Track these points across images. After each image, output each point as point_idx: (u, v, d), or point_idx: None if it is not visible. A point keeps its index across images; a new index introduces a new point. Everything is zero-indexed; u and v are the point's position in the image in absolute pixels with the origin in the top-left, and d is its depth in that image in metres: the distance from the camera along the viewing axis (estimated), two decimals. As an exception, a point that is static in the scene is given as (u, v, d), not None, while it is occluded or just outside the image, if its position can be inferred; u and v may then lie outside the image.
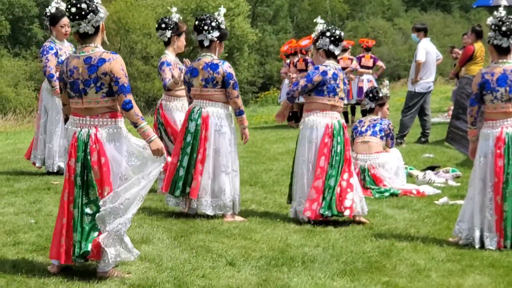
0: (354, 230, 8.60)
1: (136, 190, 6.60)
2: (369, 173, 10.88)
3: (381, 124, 11.37)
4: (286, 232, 8.44)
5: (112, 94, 6.52)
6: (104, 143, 6.53)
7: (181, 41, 10.66)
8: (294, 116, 20.58)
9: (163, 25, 10.48)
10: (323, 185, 8.86)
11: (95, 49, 6.55)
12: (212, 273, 6.86)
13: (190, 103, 9.29)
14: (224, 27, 9.15)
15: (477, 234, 7.85)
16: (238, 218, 9.04)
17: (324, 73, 9.00)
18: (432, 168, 12.32)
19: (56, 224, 6.58)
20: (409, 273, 6.97)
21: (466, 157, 13.18)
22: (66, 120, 6.94)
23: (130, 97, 6.49)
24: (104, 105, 6.56)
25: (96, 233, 6.48)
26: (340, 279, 6.73)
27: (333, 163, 8.91)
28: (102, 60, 6.46)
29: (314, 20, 9.63)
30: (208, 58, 9.02)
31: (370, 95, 11.74)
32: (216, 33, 8.98)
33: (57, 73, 11.00)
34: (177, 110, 10.32)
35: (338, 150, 8.95)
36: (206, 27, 8.93)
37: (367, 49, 19.92)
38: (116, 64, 6.46)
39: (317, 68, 9.15)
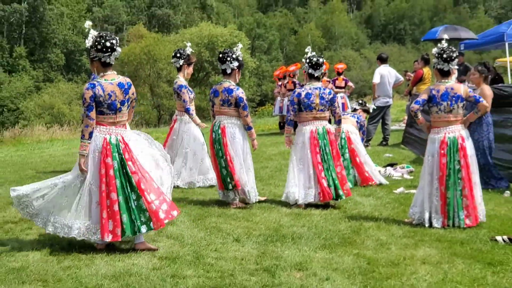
0: (331, 213, 8.60)
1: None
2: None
3: (359, 117, 11.59)
4: (279, 215, 8.44)
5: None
6: (128, 143, 6.71)
7: (190, 70, 10.74)
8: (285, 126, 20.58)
9: (178, 55, 10.59)
10: (319, 175, 8.92)
11: (118, 75, 6.77)
12: (222, 247, 6.88)
13: (213, 116, 9.24)
14: (241, 59, 9.14)
15: (426, 216, 7.88)
16: (242, 205, 9.06)
17: (298, 94, 9.14)
18: (391, 165, 12.33)
19: (100, 212, 6.56)
20: (374, 246, 6.98)
21: (417, 156, 13.20)
22: (91, 134, 6.66)
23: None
24: (126, 118, 6.87)
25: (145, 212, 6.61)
26: (321, 252, 6.74)
27: (325, 159, 8.98)
28: (130, 84, 6.74)
29: (305, 50, 9.62)
30: (227, 83, 9.00)
31: (360, 101, 12.24)
32: (236, 63, 9.01)
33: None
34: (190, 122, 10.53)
35: (327, 150, 9.00)
36: (228, 58, 8.96)
37: (339, 73, 19.91)
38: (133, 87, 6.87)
39: (294, 92, 9.36)
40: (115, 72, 6.78)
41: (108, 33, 6.72)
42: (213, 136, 8.99)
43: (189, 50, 10.69)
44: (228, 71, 9.02)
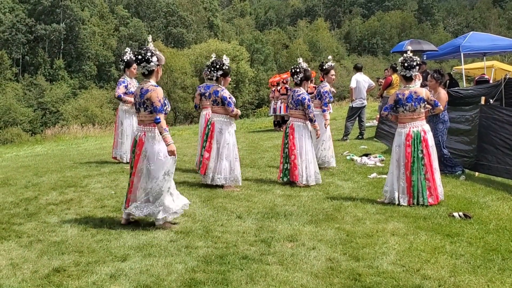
0: (317, 194, 8.60)
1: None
2: None
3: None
4: (274, 196, 8.43)
5: (151, 112, 6.57)
6: (148, 141, 6.60)
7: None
8: (279, 123, 20.64)
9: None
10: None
11: (148, 82, 6.60)
12: (227, 223, 6.88)
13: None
14: (226, 68, 8.99)
15: (396, 195, 7.89)
16: (236, 189, 8.91)
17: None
18: (366, 155, 12.30)
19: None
20: (352, 221, 6.98)
21: (388, 148, 13.18)
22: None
23: (160, 115, 6.45)
24: (149, 119, 6.60)
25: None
26: (308, 226, 6.74)
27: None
28: (146, 90, 6.53)
29: (298, 60, 9.69)
30: (215, 87, 9.08)
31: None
32: (220, 72, 8.98)
33: (124, 95, 10.99)
34: None
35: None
36: (213, 68, 9.02)
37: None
38: (153, 93, 6.50)
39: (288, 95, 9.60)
40: (149, 80, 6.64)
41: (144, 48, 6.65)
42: (206, 130, 9.15)
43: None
44: (214, 78, 9.05)
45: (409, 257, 5.57)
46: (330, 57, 11.82)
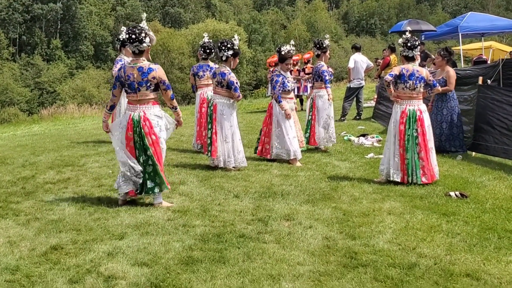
0: (314, 174, 8.61)
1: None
2: None
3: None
4: (271, 176, 8.45)
5: (155, 90, 6.62)
6: (150, 120, 6.60)
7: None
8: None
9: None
10: None
11: (144, 61, 6.57)
12: (225, 202, 6.90)
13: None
14: (237, 48, 8.87)
15: (391, 171, 7.94)
16: (232, 169, 8.84)
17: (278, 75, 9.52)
18: (363, 135, 12.32)
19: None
20: (348, 200, 7.00)
21: (385, 128, 13.17)
22: (112, 107, 6.92)
23: (170, 92, 6.68)
24: (151, 97, 6.61)
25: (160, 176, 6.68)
26: (305, 205, 6.76)
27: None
28: (150, 69, 6.49)
29: (291, 42, 9.71)
30: (222, 68, 8.82)
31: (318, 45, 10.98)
32: (230, 52, 8.79)
33: None
34: None
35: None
36: (223, 47, 8.78)
37: (307, 62, 19.71)
38: (160, 71, 6.57)
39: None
40: (144, 59, 6.62)
41: (138, 27, 6.58)
42: (207, 111, 9.00)
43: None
44: (224, 58, 8.82)
45: (405, 236, 5.59)
46: (327, 35, 11.76)
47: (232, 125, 8.84)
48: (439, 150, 9.52)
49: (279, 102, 9.37)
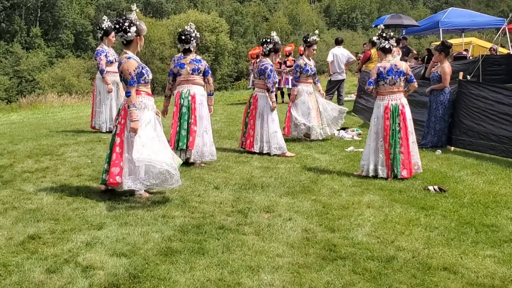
0: (294, 166, 8.62)
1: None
2: None
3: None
4: (251, 168, 8.45)
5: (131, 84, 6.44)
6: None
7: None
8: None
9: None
10: None
11: (124, 54, 6.52)
12: (204, 193, 6.88)
13: (171, 88, 8.72)
14: (198, 36, 8.51)
15: (371, 167, 7.96)
16: (202, 164, 8.57)
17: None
18: (344, 128, 12.36)
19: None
20: (328, 193, 7.02)
21: (365, 122, 13.25)
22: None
23: (131, 88, 6.40)
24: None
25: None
26: (285, 197, 6.77)
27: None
28: (120, 63, 6.49)
29: (271, 33, 9.70)
30: (191, 56, 8.49)
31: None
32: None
33: (107, 68, 10.94)
34: None
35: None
36: (191, 38, 8.35)
37: (288, 55, 19.87)
38: (124, 66, 6.42)
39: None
40: (126, 52, 6.52)
41: (123, 17, 6.49)
42: (181, 101, 8.40)
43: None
44: (192, 49, 8.47)
45: (383, 229, 5.62)
46: (317, 31, 11.88)
47: (207, 116, 8.56)
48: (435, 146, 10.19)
49: (271, 92, 9.40)
